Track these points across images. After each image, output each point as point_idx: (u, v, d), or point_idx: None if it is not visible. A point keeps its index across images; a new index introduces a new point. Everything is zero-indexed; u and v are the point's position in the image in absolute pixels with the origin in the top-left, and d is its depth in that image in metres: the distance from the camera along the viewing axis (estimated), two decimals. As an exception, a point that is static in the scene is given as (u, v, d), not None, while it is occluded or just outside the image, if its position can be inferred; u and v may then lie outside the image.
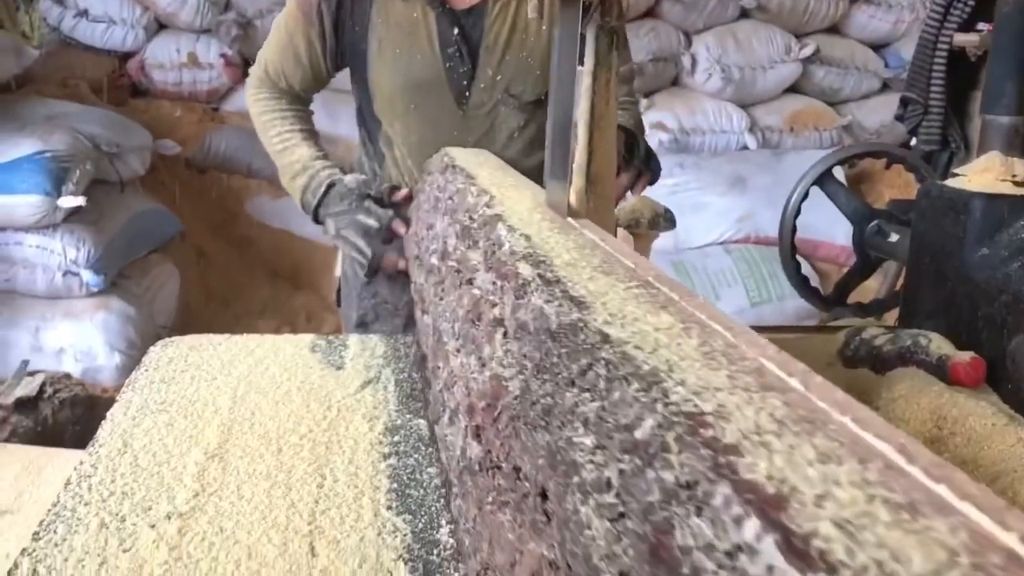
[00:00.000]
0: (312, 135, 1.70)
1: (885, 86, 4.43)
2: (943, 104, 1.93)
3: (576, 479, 0.52)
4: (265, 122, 1.68)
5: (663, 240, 3.50)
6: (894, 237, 1.65)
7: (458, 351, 0.91)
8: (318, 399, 1.17)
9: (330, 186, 1.59)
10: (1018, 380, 1.13)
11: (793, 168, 4.04)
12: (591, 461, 0.51)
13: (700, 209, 3.80)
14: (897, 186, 3.85)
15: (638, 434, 0.47)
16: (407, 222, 1.52)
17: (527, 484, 0.62)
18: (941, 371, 1.18)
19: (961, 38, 1.91)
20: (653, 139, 4.00)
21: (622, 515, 0.46)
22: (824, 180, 1.77)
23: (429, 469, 1.00)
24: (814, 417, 0.43)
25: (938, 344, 1.23)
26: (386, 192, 1.59)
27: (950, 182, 1.30)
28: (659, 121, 4.04)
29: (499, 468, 0.70)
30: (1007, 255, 1.20)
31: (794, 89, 4.34)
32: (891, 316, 1.67)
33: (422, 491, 0.95)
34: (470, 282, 0.92)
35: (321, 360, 1.31)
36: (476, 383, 0.79)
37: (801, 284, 1.85)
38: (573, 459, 0.53)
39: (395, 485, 0.96)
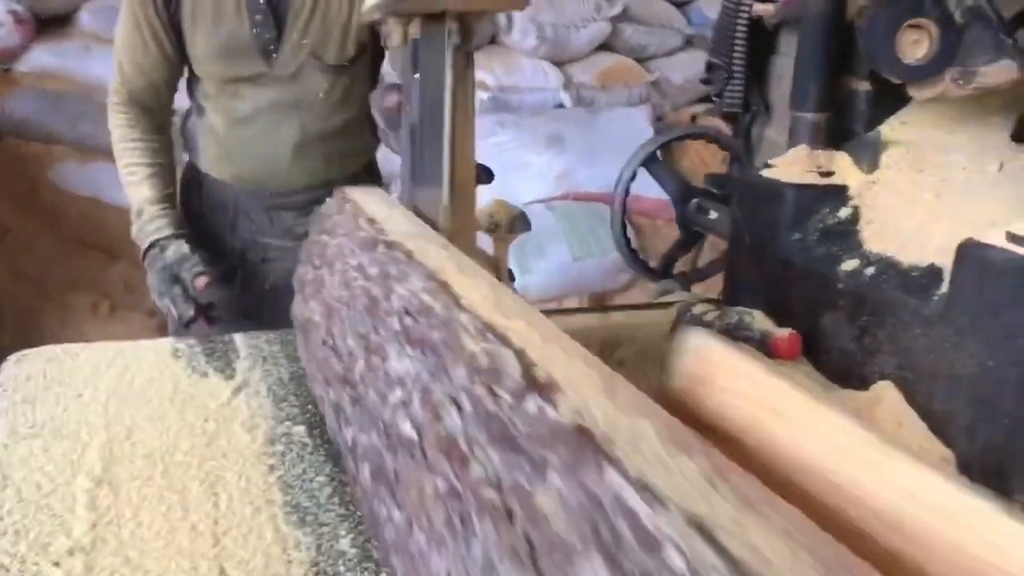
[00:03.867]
0: (160, 171, 1.74)
1: (689, 43, 4.67)
2: (745, 69, 2.08)
3: None
4: (119, 150, 1.74)
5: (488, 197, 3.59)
6: (714, 215, 1.81)
7: None
8: (193, 410, 1.18)
9: (152, 245, 1.66)
10: (828, 352, 1.30)
11: (607, 126, 4.22)
12: None
13: (523, 168, 3.91)
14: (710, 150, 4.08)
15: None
16: (211, 320, 1.61)
17: None
18: (764, 346, 1.34)
19: (759, 8, 2.05)
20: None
21: None
22: (649, 162, 1.91)
23: (318, 478, 1.04)
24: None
25: (760, 321, 1.39)
26: (190, 282, 1.60)
27: (764, 172, 1.44)
28: (480, 80, 4.10)
29: None
30: (816, 240, 1.36)
31: (605, 47, 4.51)
32: (714, 284, 1.83)
33: (315, 501, 1.00)
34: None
35: (185, 367, 1.32)
36: None
37: (632, 259, 2.00)
38: None
39: (288, 498, 1.00)
